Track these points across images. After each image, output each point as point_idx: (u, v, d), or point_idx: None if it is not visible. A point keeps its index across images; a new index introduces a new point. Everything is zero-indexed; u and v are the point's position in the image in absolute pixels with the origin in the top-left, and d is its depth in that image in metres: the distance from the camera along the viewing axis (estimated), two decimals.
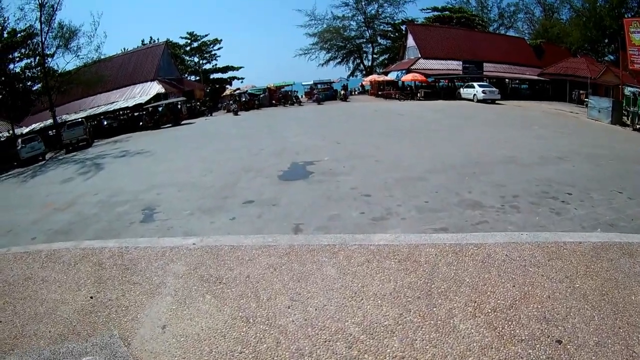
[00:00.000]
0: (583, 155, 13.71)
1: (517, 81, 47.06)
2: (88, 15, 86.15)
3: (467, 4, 69.20)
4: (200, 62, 62.60)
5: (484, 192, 9.67)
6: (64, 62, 73.97)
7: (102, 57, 35.68)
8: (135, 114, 37.97)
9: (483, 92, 35.91)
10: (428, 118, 25.51)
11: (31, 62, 33.94)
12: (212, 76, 63.96)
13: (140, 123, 34.60)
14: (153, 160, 18.40)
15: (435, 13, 64.25)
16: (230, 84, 60.93)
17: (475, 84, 37.79)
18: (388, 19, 62.79)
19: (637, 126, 21.75)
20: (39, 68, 33.48)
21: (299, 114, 33.38)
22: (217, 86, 60.77)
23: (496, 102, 35.55)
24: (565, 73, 39.87)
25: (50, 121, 32.99)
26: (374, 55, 65.19)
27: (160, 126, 33.88)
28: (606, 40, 59.02)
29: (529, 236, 6.60)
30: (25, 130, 33.21)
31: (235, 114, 37.37)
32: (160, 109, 36.78)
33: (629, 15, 54.20)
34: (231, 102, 41.85)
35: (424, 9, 66.49)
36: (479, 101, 35.73)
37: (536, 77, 43.53)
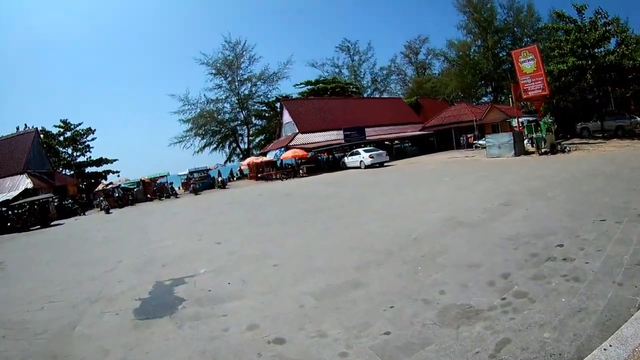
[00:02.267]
0: (523, 194, 12.08)
1: (398, 141, 46.69)
2: None
3: (339, 74, 70.77)
4: (74, 154, 54.88)
5: (462, 285, 5.85)
6: None
7: None
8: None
9: (370, 156, 34.14)
10: (321, 193, 21.81)
11: None
12: (87, 170, 56.35)
13: (8, 224, 28.29)
14: None
15: (309, 87, 63.92)
16: (105, 178, 53.61)
17: (360, 150, 36.14)
18: (262, 97, 61.30)
19: (542, 150, 22.61)
20: None
21: (174, 208, 28.27)
22: (92, 181, 53.91)
23: (384, 164, 33.71)
24: (449, 122, 40.63)
25: None
26: (250, 137, 62.94)
27: (28, 228, 27.54)
28: (481, 82, 63.62)
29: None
30: None
31: (107, 212, 31.92)
32: (27, 207, 30.49)
33: (504, 54, 59.84)
34: (102, 198, 35.95)
35: (297, 84, 65.70)
36: (366, 167, 33.75)
37: (420, 133, 43.33)
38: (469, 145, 36.23)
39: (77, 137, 55.06)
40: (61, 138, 54.25)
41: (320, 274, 7.49)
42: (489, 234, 8.33)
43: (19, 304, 9.29)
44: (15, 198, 31.28)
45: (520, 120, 30.68)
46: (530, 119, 30.98)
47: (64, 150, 54.63)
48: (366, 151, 35.16)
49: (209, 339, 5.45)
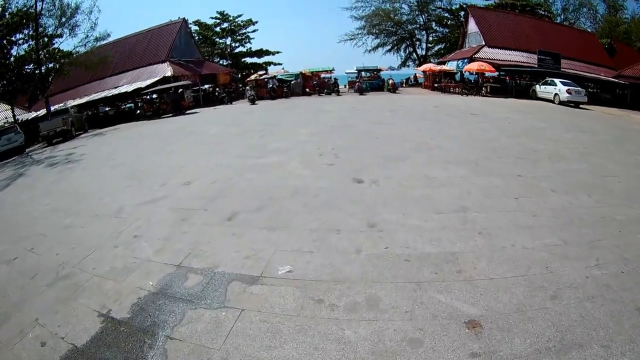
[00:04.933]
0: None
1: (591, 83, 36.64)
2: None
3: None
4: (233, 44, 53.44)
5: None
6: (67, 46, 66.44)
7: (107, 36, 29.27)
8: (129, 102, 30.89)
9: (568, 91, 25.86)
10: (520, 123, 16.20)
11: (31, 45, 27.43)
12: (247, 60, 54.52)
13: (137, 112, 27.58)
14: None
15: (495, 1, 53.30)
16: (267, 70, 50.51)
17: (556, 80, 27.70)
18: (444, 2, 51.91)
19: None
20: (41, 51, 27.41)
21: (331, 106, 24.04)
22: (252, 71, 50.79)
23: (580, 106, 25.63)
24: None
25: (58, 105, 26.53)
26: (429, 44, 53.13)
27: (161, 115, 26.59)
28: None
29: None
30: (32, 115, 27.83)
31: (252, 102, 29.05)
32: (155, 96, 29.51)
33: None
34: (248, 87, 32.68)
35: None
36: (560, 103, 26.01)
37: (615, 80, 33.55)
38: None
39: (236, 29, 52.29)
40: (217, 29, 51.80)
41: None
42: None
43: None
44: (153, 85, 29.17)
45: None
46: None
47: (221, 41, 52.42)
48: (563, 84, 26.82)
49: None
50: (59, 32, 27.31)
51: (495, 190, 7.94)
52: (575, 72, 33.37)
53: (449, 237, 5.91)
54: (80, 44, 28.20)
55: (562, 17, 56.38)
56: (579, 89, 26.66)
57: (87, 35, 28.04)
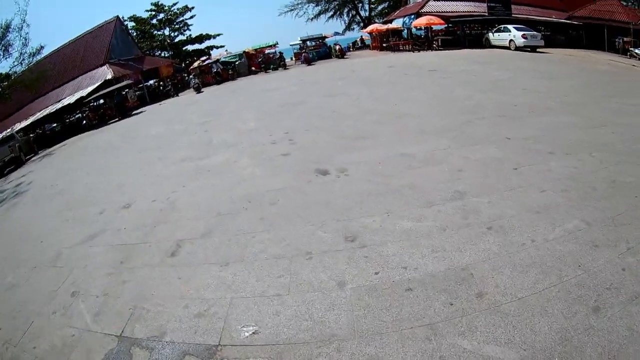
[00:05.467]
0: None
1: (543, 27, 36.17)
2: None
3: None
4: (172, 34, 50.85)
5: None
6: (2, 68, 62.82)
7: (41, 49, 26.72)
8: (77, 113, 28.75)
9: (523, 36, 25.11)
10: (485, 75, 15.10)
11: None
12: (189, 48, 52.12)
13: (84, 122, 25.53)
14: None
15: None
16: (210, 55, 48.68)
17: (510, 27, 26.91)
18: None
19: None
20: None
21: (278, 82, 22.38)
22: (196, 59, 48.01)
23: (537, 49, 24.95)
24: (600, 17, 29.88)
25: (6, 132, 23.75)
26: (371, 5, 51.42)
27: (107, 121, 24.46)
28: None
29: None
30: None
31: (197, 91, 27.16)
32: (100, 101, 27.48)
33: None
34: (192, 76, 30.66)
35: None
36: (516, 49, 25.26)
37: (567, 22, 33.24)
38: (624, 51, 26.36)
39: (173, 17, 49.32)
40: (154, 21, 48.74)
41: None
42: None
43: None
44: (95, 91, 27.04)
45: None
46: None
47: (159, 32, 49.49)
48: (518, 29, 26.14)
49: None
50: None
51: (489, 162, 6.69)
52: (527, 16, 32.69)
53: (454, 242, 4.57)
54: (16, 63, 25.67)
55: None
56: (535, 33, 26.01)
57: (21, 53, 25.49)
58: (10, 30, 24.90)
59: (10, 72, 26.52)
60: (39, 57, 27.35)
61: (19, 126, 25.63)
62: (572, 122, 8.41)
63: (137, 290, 5.01)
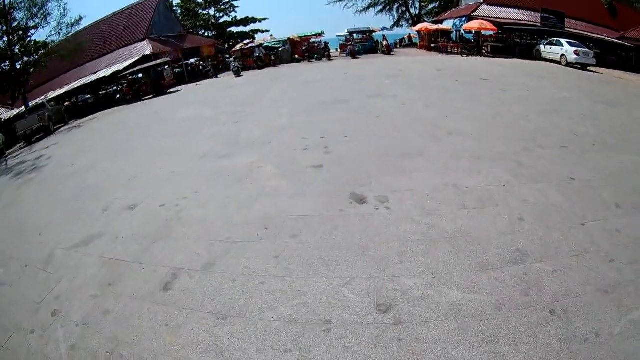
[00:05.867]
0: None
1: (593, 44, 33.75)
2: None
3: None
4: (217, 15, 50.19)
5: None
6: (41, 36, 64.71)
7: (80, 20, 26.85)
8: (113, 86, 28.87)
9: (576, 52, 23.15)
10: (540, 92, 13.64)
11: (5, 41, 25.26)
12: (233, 30, 51.14)
13: (117, 97, 25.19)
14: None
15: None
16: (254, 39, 46.62)
17: (563, 40, 25.14)
18: None
19: None
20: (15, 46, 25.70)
21: (321, 74, 21.12)
22: (239, 41, 46.25)
23: (588, 68, 23.06)
24: None
25: (39, 99, 24.06)
26: (422, 3, 48.84)
27: (141, 98, 24.07)
28: None
29: None
30: (14, 113, 25.21)
31: (237, 74, 26.04)
32: (139, 76, 26.95)
33: None
34: (233, 58, 29.34)
35: None
36: (567, 64, 23.42)
37: (622, 42, 30.57)
38: None
39: None
40: (200, 0, 47.72)
41: None
42: None
43: None
44: (132, 66, 26.39)
45: None
46: None
47: (204, 12, 48.36)
48: (570, 44, 24.22)
49: None
50: (31, 24, 25.15)
51: (552, 211, 5.48)
52: (579, 32, 30.41)
53: (510, 330, 3.51)
54: (54, 32, 25.67)
55: None
56: (587, 50, 24.08)
57: (59, 23, 25.51)
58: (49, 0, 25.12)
59: (48, 40, 26.53)
60: (77, 28, 27.55)
61: (52, 95, 25.66)
62: (635, 165, 7.14)
63: (118, 327, 4.12)
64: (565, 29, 29.94)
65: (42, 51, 26.47)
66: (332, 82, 17.39)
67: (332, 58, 30.87)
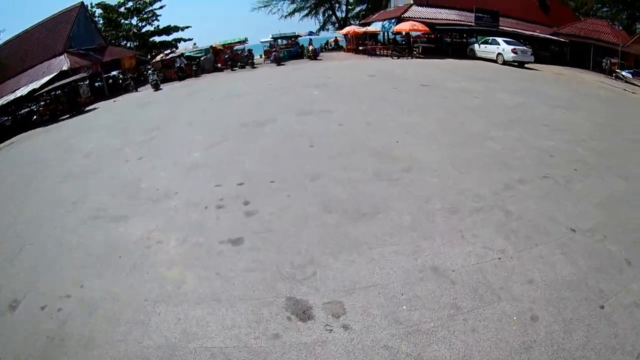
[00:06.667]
0: None
1: (526, 41, 34.49)
2: None
3: None
4: (139, 24, 46.51)
5: None
6: None
7: None
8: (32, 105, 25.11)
9: (513, 51, 23.16)
10: (490, 97, 12.66)
11: None
12: (155, 40, 47.61)
13: (34, 117, 22.20)
14: None
15: None
16: (176, 48, 44.19)
17: (499, 39, 25.11)
18: None
19: None
20: None
21: (243, 85, 19.00)
22: (162, 51, 44.31)
23: (525, 65, 23.19)
24: (587, 35, 28.58)
25: None
26: (349, 6, 48.09)
27: (58, 118, 21.23)
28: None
29: None
30: None
31: (156, 88, 23.67)
32: (58, 92, 23.75)
33: None
34: (151, 71, 26.05)
35: None
36: (504, 62, 23.36)
37: (553, 37, 31.32)
38: (610, 72, 25.08)
39: (142, 6, 44.81)
40: (122, 9, 44.17)
41: None
42: None
43: None
44: (50, 82, 23.70)
45: None
46: None
47: (126, 21, 44.89)
48: (507, 43, 24.18)
49: None
50: None
51: (567, 293, 4.04)
52: (514, 30, 30.60)
53: None
54: None
55: None
56: (525, 48, 24.10)
57: None
58: None
59: None
60: None
61: None
62: (626, 191, 6.14)
63: None
64: (499, 27, 29.95)
65: None
66: (255, 96, 15.12)
67: (256, 65, 28.68)
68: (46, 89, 23.01)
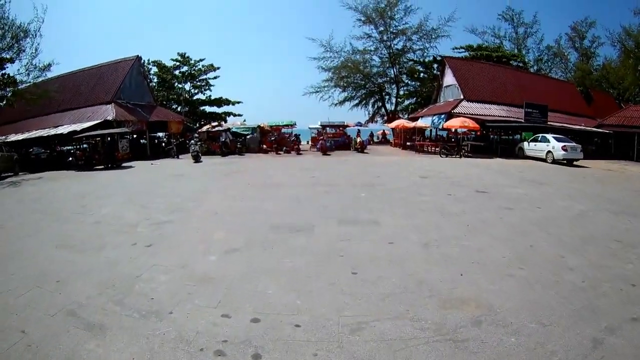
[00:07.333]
0: None
1: (571, 135, 32.68)
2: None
3: (500, 45, 54.63)
4: (191, 90, 47.82)
5: None
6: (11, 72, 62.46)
7: (50, 66, 25.35)
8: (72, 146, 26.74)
9: (564, 148, 21.99)
10: (550, 206, 11.37)
11: None
12: (205, 109, 48.47)
13: (69, 159, 22.73)
14: None
15: (470, 53, 48.11)
16: (225, 121, 44.67)
17: (548, 136, 23.85)
18: (417, 54, 46.82)
19: None
20: None
21: (284, 174, 17.98)
22: (210, 122, 44.79)
23: (574, 162, 22.17)
24: (632, 125, 27.67)
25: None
26: (398, 99, 48.85)
27: (93, 166, 21.69)
28: None
29: None
30: None
31: (196, 160, 23.44)
32: (97, 140, 24.55)
33: None
34: (194, 141, 25.79)
35: (456, 48, 50.36)
36: (554, 161, 22.19)
37: (601, 130, 29.96)
38: None
39: (197, 73, 47.04)
40: (176, 72, 46.43)
41: None
42: None
43: None
44: (91, 129, 24.34)
45: None
46: None
47: (180, 86, 46.79)
48: (557, 140, 23.05)
49: None
50: (6, 55, 23.99)
51: None
52: (563, 124, 29.38)
53: None
54: (23, 72, 24.54)
55: (535, 67, 53.56)
56: (575, 144, 23.00)
57: (29, 63, 24.45)
58: (27, 34, 23.81)
59: (17, 78, 24.84)
60: (48, 75, 26.35)
61: (12, 137, 24.78)
62: None
63: None
64: (548, 122, 29.10)
65: (11, 88, 24.94)
66: (295, 189, 13.79)
67: (301, 152, 28.27)
68: (86, 134, 23.53)
